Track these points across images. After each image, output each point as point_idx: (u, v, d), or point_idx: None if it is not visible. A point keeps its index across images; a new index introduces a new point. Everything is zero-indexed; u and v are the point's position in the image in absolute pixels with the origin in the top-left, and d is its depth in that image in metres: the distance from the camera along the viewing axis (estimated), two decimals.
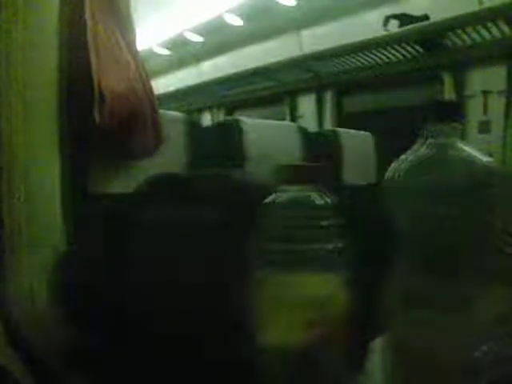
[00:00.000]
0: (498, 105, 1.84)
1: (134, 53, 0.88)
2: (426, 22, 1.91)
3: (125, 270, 0.46)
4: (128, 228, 0.50)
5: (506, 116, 1.81)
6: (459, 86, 1.96)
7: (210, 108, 3.53)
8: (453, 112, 0.38)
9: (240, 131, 1.30)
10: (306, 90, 2.74)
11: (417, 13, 1.99)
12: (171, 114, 1.12)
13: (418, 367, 0.36)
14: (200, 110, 3.60)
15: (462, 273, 0.36)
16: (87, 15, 0.78)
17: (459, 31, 1.81)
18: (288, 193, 0.36)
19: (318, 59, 2.39)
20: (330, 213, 0.36)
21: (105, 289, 0.46)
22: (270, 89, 2.91)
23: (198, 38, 3.16)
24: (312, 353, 0.34)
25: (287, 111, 2.85)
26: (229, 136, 1.31)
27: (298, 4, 2.53)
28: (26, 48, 0.69)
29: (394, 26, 2.06)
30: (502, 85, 1.84)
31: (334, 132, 1.69)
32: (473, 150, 0.37)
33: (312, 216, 0.36)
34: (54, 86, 0.73)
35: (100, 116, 0.78)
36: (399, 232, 0.38)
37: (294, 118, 2.80)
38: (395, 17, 2.06)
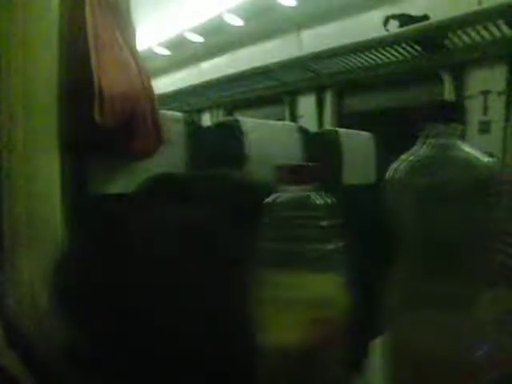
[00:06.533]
0: (498, 105, 1.84)
1: (133, 52, 0.88)
2: (425, 22, 1.91)
3: (125, 270, 0.46)
4: (128, 228, 0.50)
5: (506, 116, 1.81)
6: (459, 86, 1.96)
7: (209, 108, 3.52)
8: (453, 112, 0.38)
9: (240, 131, 1.30)
10: (306, 90, 2.74)
11: (417, 13, 1.99)
12: (171, 114, 1.12)
13: (418, 367, 0.36)
14: (200, 110, 3.60)
15: (462, 273, 0.36)
16: (87, 14, 0.78)
17: (459, 31, 1.81)
18: (288, 193, 0.36)
19: (317, 59, 2.38)
20: (330, 213, 0.36)
21: (105, 289, 0.46)
22: (270, 89, 2.90)
23: (198, 38, 3.16)
24: (312, 353, 0.34)
25: (287, 111, 2.85)
26: (229, 136, 1.30)
27: (298, 4, 2.53)
28: (26, 47, 0.69)
29: (393, 26, 2.06)
30: (501, 85, 1.84)
31: (334, 132, 1.69)
32: (473, 150, 0.37)
33: (312, 216, 0.36)
34: (54, 86, 0.73)
35: (100, 116, 0.78)
36: (399, 232, 0.38)
37: (294, 118, 2.79)
38: (395, 17, 2.06)
